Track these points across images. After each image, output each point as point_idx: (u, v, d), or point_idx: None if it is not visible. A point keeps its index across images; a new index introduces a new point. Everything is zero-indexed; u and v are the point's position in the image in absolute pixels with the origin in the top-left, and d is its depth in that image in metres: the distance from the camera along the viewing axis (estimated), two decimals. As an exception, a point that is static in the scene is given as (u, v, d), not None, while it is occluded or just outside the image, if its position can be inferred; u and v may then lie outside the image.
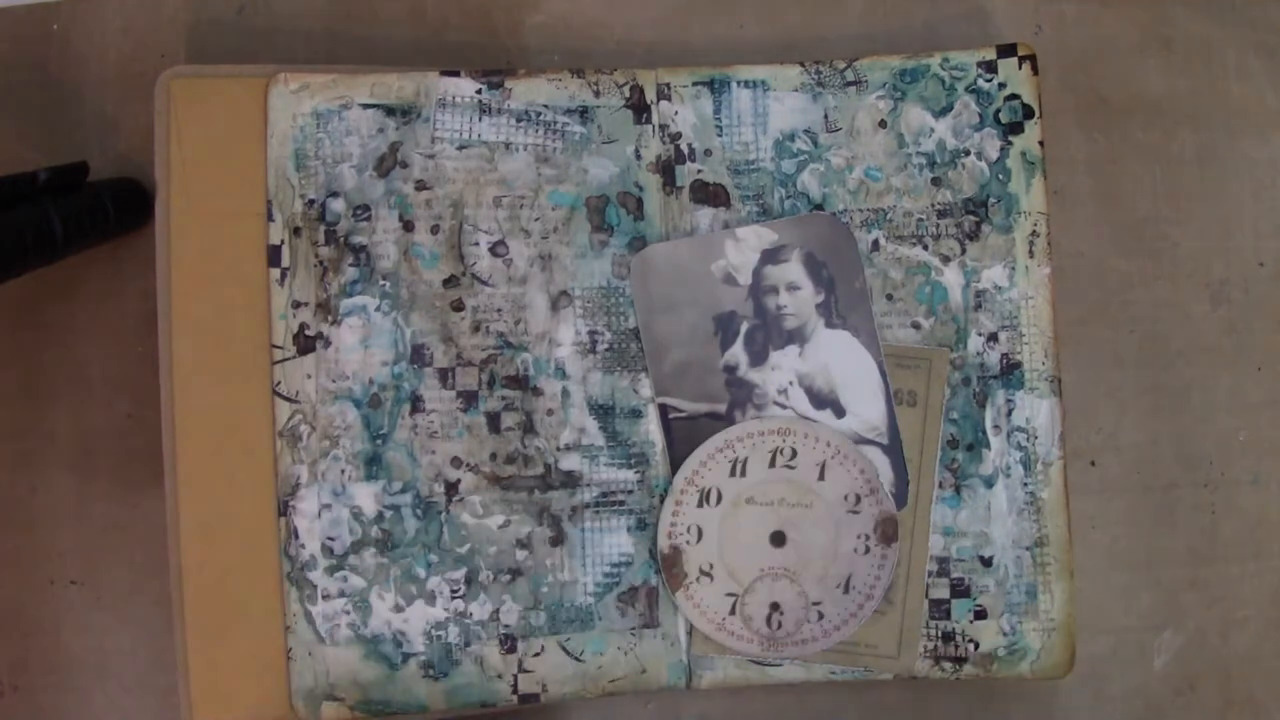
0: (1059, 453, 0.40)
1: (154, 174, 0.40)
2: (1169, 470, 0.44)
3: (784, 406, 0.40)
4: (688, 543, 0.40)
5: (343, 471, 0.40)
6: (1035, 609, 0.40)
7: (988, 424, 0.40)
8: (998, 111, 0.41)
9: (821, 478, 0.40)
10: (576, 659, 0.40)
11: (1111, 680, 0.43)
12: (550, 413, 0.40)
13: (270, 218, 0.40)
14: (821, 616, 0.40)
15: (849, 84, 0.41)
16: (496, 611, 0.40)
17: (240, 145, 0.40)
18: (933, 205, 0.41)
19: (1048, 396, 0.40)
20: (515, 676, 0.40)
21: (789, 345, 0.40)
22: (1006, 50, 0.41)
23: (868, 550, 0.40)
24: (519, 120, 0.41)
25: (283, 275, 0.40)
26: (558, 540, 0.40)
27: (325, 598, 0.39)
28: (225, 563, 0.39)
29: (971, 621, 0.40)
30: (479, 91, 0.40)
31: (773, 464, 0.40)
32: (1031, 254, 0.41)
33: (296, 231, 0.40)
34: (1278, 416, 0.44)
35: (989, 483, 0.40)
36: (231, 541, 0.39)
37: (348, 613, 0.39)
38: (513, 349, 0.40)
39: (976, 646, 0.40)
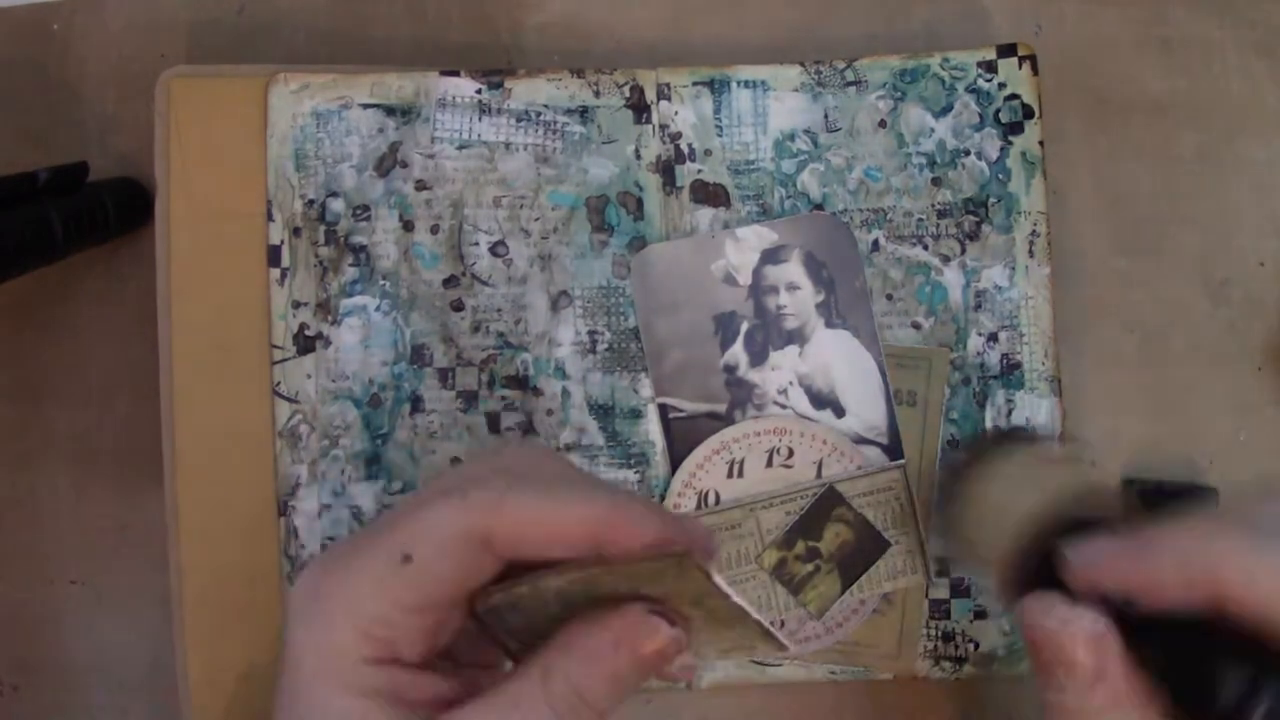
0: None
1: (154, 174, 0.40)
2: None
3: (784, 406, 0.40)
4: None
5: (343, 471, 0.40)
6: (1035, 609, 0.40)
7: (988, 424, 0.40)
8: (998, 111, 0.41)
9: (819, 475, 0.40)
10: (576, 659, 0.40)
11: (1111, 680, 0.43)
12: (550, 413, 0.40)
13: (270, 218, 0.40)
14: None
15: (849, 84, 0.41)
16: (496, 611, 0.40)
17: (240, 145, 0.40)
18: (933, 205, 0.41)
19: (1048, 396, 0.40)
20: (515, 676, 0.40)
21: (789, 345, 0.40)
22: (1006, 50, 0.41)
23: (867, 550, 0.40)
24: (519, 120, 0.41)
25: (283, 275, 0.40)
26: (558, 540, 0.40)
27: (325, 598, 0.39)
28: (225, 563, 0.39)
29: (971, 621, 0.40)
30: (479, 91, 0.40)
31: (770, 464, 0.40)
32: (1031, 254, 0.41)
33: (296, 231, 0.40)
34: (1278, 416, 0.44)
35: (989, 483, 0.40)
36: (231, 541, 0.39)
37: (348, 613, 0.39)
38: (513, 349, 0.40)
39: (976, 646, 0.40)
